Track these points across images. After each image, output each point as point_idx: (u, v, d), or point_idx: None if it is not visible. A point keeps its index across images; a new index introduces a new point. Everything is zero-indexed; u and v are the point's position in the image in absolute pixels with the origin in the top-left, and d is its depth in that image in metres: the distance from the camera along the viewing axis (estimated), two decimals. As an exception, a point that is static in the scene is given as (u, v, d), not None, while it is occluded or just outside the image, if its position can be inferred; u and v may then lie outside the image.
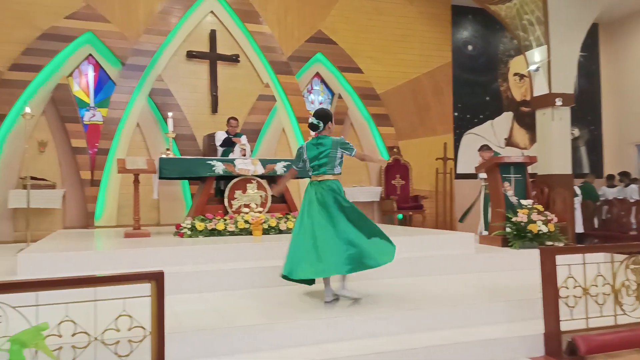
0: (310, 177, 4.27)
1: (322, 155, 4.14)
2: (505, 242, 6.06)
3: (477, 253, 5.67)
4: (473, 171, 8.11)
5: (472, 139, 11.08)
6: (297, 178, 6.78)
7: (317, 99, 10.07)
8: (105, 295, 2.34)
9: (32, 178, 7.12)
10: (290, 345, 3.27)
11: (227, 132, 7.86)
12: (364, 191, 9.80)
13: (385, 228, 7.43)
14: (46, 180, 7.93)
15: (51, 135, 8.20)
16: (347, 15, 9.99)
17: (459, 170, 10.90)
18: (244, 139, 7.66)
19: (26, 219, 6.34)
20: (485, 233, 7.27)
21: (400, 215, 9.82)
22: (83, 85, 8.55)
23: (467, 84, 11.17)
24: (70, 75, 8.41)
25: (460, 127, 11.13)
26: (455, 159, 10.86)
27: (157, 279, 2.26)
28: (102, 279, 2.18)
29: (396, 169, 10.11)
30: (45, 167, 8.09)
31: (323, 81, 10.07)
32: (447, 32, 10.84)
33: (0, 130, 7.78)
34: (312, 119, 4.26)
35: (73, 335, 2.30)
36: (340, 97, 9.95)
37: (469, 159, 10.68)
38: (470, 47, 11.33)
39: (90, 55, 8.50)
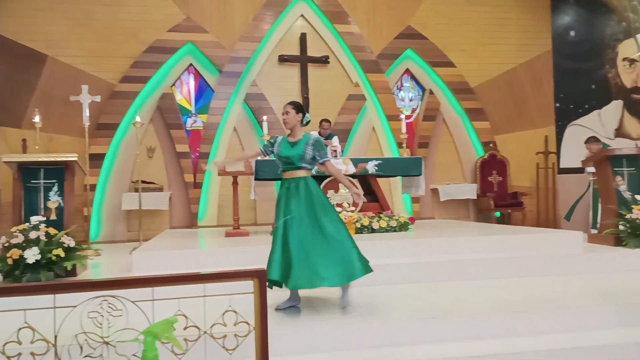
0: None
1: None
2: (618, 241, 5.60)
3: (586, 253, 5.30)
4: (578, 165, 7.58)
5: (576, 131, 10.33)
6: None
7: (407, 96, 9.94)
8: (212, 292, 2.49)
9: (142, 182, 7.70)
10: (388, 344, 3.26)
11: (319, 133, 8.00)
12: (458, 188, 9.52)
13: (482, 227, 7.19)
14: (154, 183, 8.54)
15: (158, 141, 8.82)
16: (437, 8, 9.76)
17: (563, 165, 10.21)
18: (335, 140, 7.75)
19: (138, 220, 6.87)
20: (594, 231, 6.77)
21: (497, 214, 9.42)
22: (185, 93, 9.10)
23: (569, 72, 10.44)
24: (174, 84, 8.98)
25: (563, 119, 10.42)
26: (557, 153, 10.20)
27: (259, 276, 2.35)
28: (210, 275, 2.32)
29: (492, 165, 9.71)
30: (154, 171, 8.72)
31: (413, 77, 9.92)
32: (547, 19, 10.20)
33: (114, 138, 8.50)
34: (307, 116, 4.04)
35: (185, 328, 2.45)
36: (431, 92, 9.74)
37: (573, 152, 9.97)
38: (572, 33, 10.57)
39: (191, 64, 9.03)
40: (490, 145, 9.76)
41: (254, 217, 8.95)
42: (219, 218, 8.83)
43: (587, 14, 10.58)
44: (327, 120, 8.00)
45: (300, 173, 3.85)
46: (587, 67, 10.57)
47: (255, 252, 5.00)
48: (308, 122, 4.06)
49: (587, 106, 10.56)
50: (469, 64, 9.76)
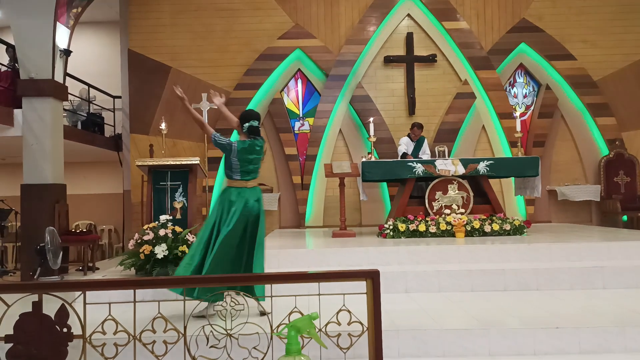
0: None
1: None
2: None
3: None
4: None
5: None
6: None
7: (520, 92, 9.41)
8: (324, 291, 2.54)
9: (255, 183, 8.06)
10: (505, 353, 3.12)
11: (408, 135, 7.91)
12: (578, 190, 8.83)
13: (607, 231, 6.60)
14: (265, 184, 8.91)
15: (268, 144, 9.20)
16: (554, -2, 9.15)
17: None
18: (425, 145, 7.87)
19: (251, 219, 7.20)
20: None
21: (625, 217, 8.59)
22: (293, 97, 9.40)
23: None
24: (283, 90, 9.32)
25: (703, 112, 9.28)
26: (699, 150, 9.10)
27: (373, 277, 2.36)
28: (326, 275, 2.37)
29: (619, 164, 8.88)
30: (264, 173, 9.09)
31: (527, 73, 9.37)
32: (683, 0, 9.16)
33: (229, 143, 8.99)
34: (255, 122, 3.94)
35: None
36: (548, 87, 9.14)
37: None
38: None
39: (299, 70, 9.31)
40: (617, 142, 8.93)
41: (359, 218, 9.01)
42: (325, 219, 9.00)
43: None
44: (419, 125, 7.87)
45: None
46: None
47: (362, 253, 5.04)
48: (253, 130, 3.99)
49: None
50: (591, 56, 9.04)
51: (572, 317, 3.44)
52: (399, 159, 7.54)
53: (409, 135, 7.97)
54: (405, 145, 7.87)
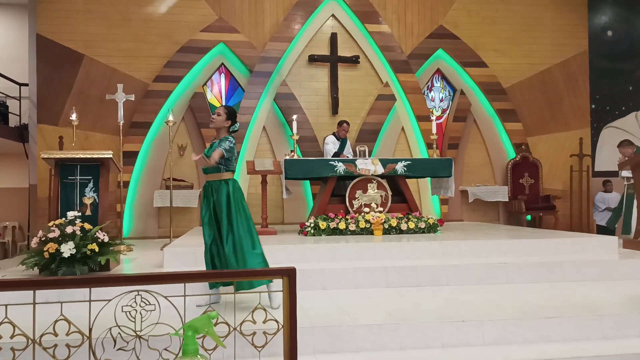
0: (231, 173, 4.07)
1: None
2: (656, 248, 5.43)
3: (621, 259, 5.15)
4: (614, 168, 7.38)
5: (612, 133, 10.08)
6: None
7: (437, 96, 9.84)
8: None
9: (174, 179, 7.82)
10: (415, 346, 3.24)
11: (334, 134, 8.04)
12: (488, 191, 9.38)
13: (513, 230, 7.07)
14: (185, 181, 8.67)
15: (189, 139, 8.95)
16: (470, 8, 9.63)
17: (597, 168, 9.98)
18: (348, 146, 8.07)
19: (169, 217, 6.99)
20: (625, 237, 6.57)
21: (529, 217, 9.24)
22: (216, 92, 9.21)
23: (606, 73, 10.18)
24: (205, 84, 9.10)
25: (598, 121, 10.18)
26: (592, 156, 9.96)
27: (289, 275, 2.36)
28: (241, 273, 2.34)
29: (524, 167, 9.52)
30: (185, 169, 8.86)
31: (444, 77, 9.81)
32: (583, 18, 9.97)
33: (147, 136, 8.66)
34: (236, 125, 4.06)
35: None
36: (462, 93, 9.62)
37: (609, 156, 9.74)
38: (610, 33, 10.31)
39: (223, 64, 9.14)
40: (523, 147, 9.57)
41: (282, 216, 9.00)
42: (247, 216, 8.89)
43: (625, 12, 10.30)
44: (348, 123, 8.05)
45: (221, 175, 3.94)
46: (624, 68, 10.29)
47: (283, 251, 5.04)
48: (235, 131, 4.06)
49: (624, 108, 10.28)
50: (501, 64, 9.61)
51: (477, 311, 3.64)
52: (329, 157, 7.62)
53: (334, 134, 8.07)
54: (332, 144, 7.96)
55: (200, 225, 8.66)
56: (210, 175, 3.97)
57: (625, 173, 7.07)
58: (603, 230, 8.84)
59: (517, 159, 9.51)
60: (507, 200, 9.38)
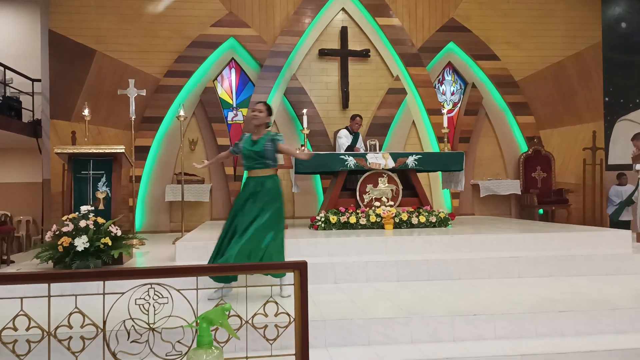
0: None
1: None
2: (671, 242, 5.38)
3: (635, 253, 5.10)
4: (628, 162, 7.29)
5: (626, 126, 9.95)
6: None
7: (448, 90, 9.78)
8: (253, 282, 2.53)
9: (185, 174, 7.87)
10: (427, 340, 3.25)
11: (347, 127, 8.02)
12: (500, 184, 9.32)
13: (525, 224, 7.02)
14: (196, 175, 8.72)
15: (200, 134, 8.99)
16: (481, 0, 9.54)
17: (611, 161, 9.86)
18: (360, 141, 8.01)
19: (180, 211, 7.03)
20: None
21: (541, 211, 9.17)
22: (226, 87, 9.24)
23: (620, 65, 10.04)
24: (216, 79, 9.13)
25: (612, 114, 10.05)
26: (606, 149, 9.85)
27: (300, 268, 2.37)
28: (252, 266, 2.35)
29: (537, 161, 9.44)
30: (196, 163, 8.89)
31: (455, 71, 9.74)
32: (597, 10, 9.84)
33: (159, 131, 8.71)
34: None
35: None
36: (474, 86, 9.55)
37: (622, 149, 9.62)
38: (624, 25, 10.15)
39: (233, 59, 9.15)
40: (535, 140, 9.50)
41: (293, 210, 9.02)
42: (258, 211, 8.92)
43: (639, 4, 10.13)
44: (361, 117, 8.03)
45: (265, 172, 4.05)
46: (638, 60, 10.14)
47: (293, 245, 5.04)
48: (270, 126, 4.25)
49: (637, 100, 10.14)
50: (513, 57, 9.52)
51: (489, 305, 3.63)
52: (342, 151, 7.62)
53: (347, 128, 8.05)
54: (346, 138, 7.95)
55: (212, 219, 8.74)
56: (259, 171, 4.06)
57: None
58: (617, 224, 8.75)
59: (529, 152, 9.43)
60: (519, 193, 9.32)
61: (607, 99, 9.93)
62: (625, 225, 8.39)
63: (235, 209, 4.03)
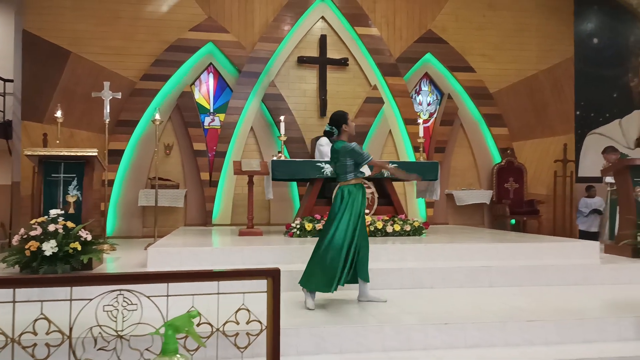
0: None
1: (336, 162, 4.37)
2: (636, 253, 5.52)
3: (603, 263, 5.22)
4: (597, 174, 7.47)
5: (596, 140, 10.21)
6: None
7: (425, 100, 9.90)
8: (225, 289, 2.50)
9: (159, 179, 7.77)
10: (399, 348, 3.25)
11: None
12: (473, 194, 9.45)
13: (497, 234, 7.13)
14: (171, 180, 8.62)
15: (176, 139, 8.90)
16: (458, 12, 9.71)
17: (581, 174, 10.10)
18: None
19: (154, 216, 6.93)
20: (609, 242, 6.67)
21: (513, 221, 9.33)
22: (204, 92, 9.17)
23: (591, 79, 10.31)
24: (193, 83, 9.06)
25: (583, 127, 10.30)
26: (576, 161, 10.09)
27: (273, 275, 2.36)
28: (225, 273, 2.33)
29: (509, 172, 9.61)
30: (171, 168, 8.81)
31: (432, 81, 9.87)
32: (569, 25, 10.11)
33: (133, 135, 8.59)
34: (326, 126, 4.38)
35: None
36: (449, 97, 9.69)
37: (592, 161, 9.86)
38: (595, 40, 10.44)
39: (211, 64, 9.10)
40: (508, 151, 9.67)
41: (268, 217, 8.99)
42: (233, 217, 8.88)
43: (611, 20, 10.45)
44: None
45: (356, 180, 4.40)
46: (609, 75, 10.43)
47: (268, 252, 5.02)
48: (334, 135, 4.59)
49: (608, 115, 10.42)
50: (488, 69, 9.70)
51: (461, 314, 3.66)
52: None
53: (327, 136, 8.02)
54: (328, 146, 7.94)
55: (185, 225, 8.64)
56: (352, 180, 4.29)
57: (609, 179, 7.16)
58: (585, 235, 8.95)
59: (502, 163, 9.60)
60: (491, 204, 9.46)
61: (578, 112, 10.19)
62: (594, 236, 8.59)
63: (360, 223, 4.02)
